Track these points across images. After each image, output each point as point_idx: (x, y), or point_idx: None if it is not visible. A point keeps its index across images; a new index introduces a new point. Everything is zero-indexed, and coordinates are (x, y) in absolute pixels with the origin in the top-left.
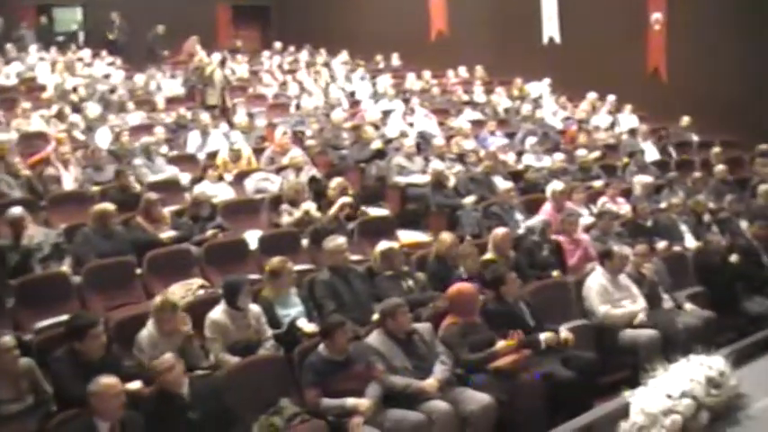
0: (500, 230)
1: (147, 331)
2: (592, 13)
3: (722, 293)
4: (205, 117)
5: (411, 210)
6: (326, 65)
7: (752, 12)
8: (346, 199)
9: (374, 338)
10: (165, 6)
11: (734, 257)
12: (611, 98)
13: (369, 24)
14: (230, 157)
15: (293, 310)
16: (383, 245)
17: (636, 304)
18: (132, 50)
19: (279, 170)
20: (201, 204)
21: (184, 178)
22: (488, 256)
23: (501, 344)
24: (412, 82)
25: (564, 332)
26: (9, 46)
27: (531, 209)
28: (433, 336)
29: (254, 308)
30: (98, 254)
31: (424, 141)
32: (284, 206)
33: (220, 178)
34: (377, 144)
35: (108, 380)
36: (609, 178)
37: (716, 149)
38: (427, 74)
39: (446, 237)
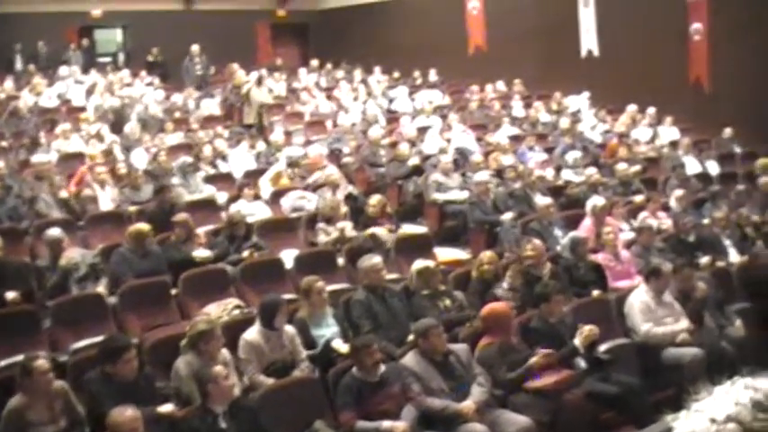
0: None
1: (184, 360)
2: (630, 24)
3: None
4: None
5: (449, 227)
6: (363, 81)
7: None
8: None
9: (410, 359)
10: (205, 26)
11: None
12: (652, 110)
13: (406, 40)
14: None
15: (328, 331)
16: (419, 263)
17: (679, 323)
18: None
19: (315, 188)
20: (238, 223)
21: (221, 197)
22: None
23: (533, 359)
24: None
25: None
26: (61, 69)
27: (571, 225)
28: (470, 357)
29: (289, 328)
30: (134, 274)
31: (461, 157)
32: (320, 225)
33: (257, 197)
34: (414, 160)
35: (117, 416)
36: (650, 192)
37: (761, 161)
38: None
39: (485, 255)
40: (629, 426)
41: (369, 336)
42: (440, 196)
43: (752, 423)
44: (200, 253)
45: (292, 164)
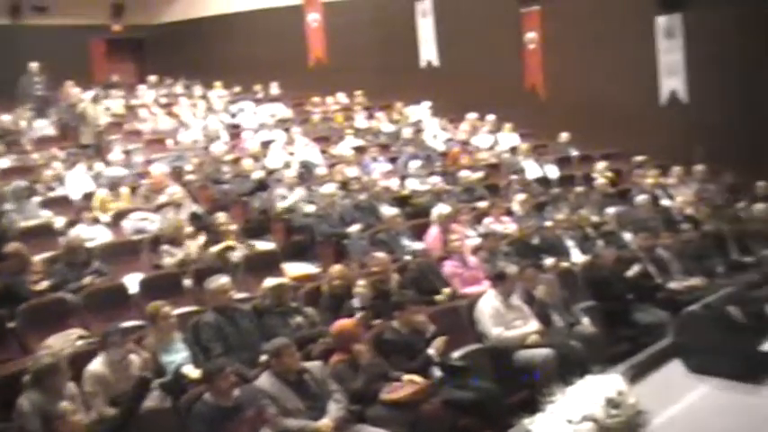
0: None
1: (28, 397)
2: (468, 34)
3: (613, 306)
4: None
5: (297, 241)
6: (204, 96)
7: (623, 25)
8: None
9: (264, 381)
10: (36, 41)
11: (632, 271)
12: (491, 118)
13: (246, 53)
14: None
15: (178, 356)
16: (271, 281)
17: (529, 325)
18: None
19: (158, 208)
20: (77, 249)
21: (59, 222)
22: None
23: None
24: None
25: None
26: None
27: (419, 233)
28: (324, 373)
29: (135, 357)
30: None
31: (306, 171)
32: (165, 246)
33: (96, 220)
34: (258, 175)
35: None
36: (493, 198)
37: (601, 164)
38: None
39: (334, 269)
40: (488, 431)
41: (220, 359)
42: (283, 204)
43: (606, 420)
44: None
45: (113, 185)
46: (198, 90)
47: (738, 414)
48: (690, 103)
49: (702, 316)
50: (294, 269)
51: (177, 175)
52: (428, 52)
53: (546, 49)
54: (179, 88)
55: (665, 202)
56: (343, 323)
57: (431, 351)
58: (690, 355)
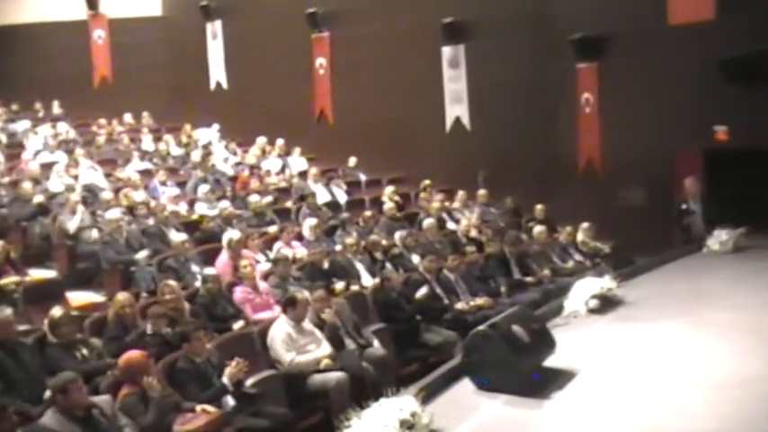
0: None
1: None
2: (258, 58)
3: (403, 328)
4: None
5: (82, 269)
6: None
7: (412, 54)
8: None
9: (49, 418)
10: None
11: (420, 293)
12: (281, 142)
13: (26, 69)
14: None
15: None
16: (50, 312)
17: (321, 349)
18: None
19: None
20: None
21: None
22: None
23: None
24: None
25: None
26: None
27: (209, 259)
28: (114, 408)
29: None
30: None
31: (90, 194)
32: None
33: None
34: (38, 199)
35: None
36: (283, 222)
37: (389, 188)
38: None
39: (121, 297)
40: None
41: (0, 397)
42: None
43: None
44: None
45: None
46: None
47: (526, 428)
48: (473, 130)
49: (489, 336)
50: (78, 298)
51: None
52: (218, 74)
53: (335, 75)
54: None
55: (450, 225)
56: (131, 354)
57: (224, 379)
58: (478, 374)
